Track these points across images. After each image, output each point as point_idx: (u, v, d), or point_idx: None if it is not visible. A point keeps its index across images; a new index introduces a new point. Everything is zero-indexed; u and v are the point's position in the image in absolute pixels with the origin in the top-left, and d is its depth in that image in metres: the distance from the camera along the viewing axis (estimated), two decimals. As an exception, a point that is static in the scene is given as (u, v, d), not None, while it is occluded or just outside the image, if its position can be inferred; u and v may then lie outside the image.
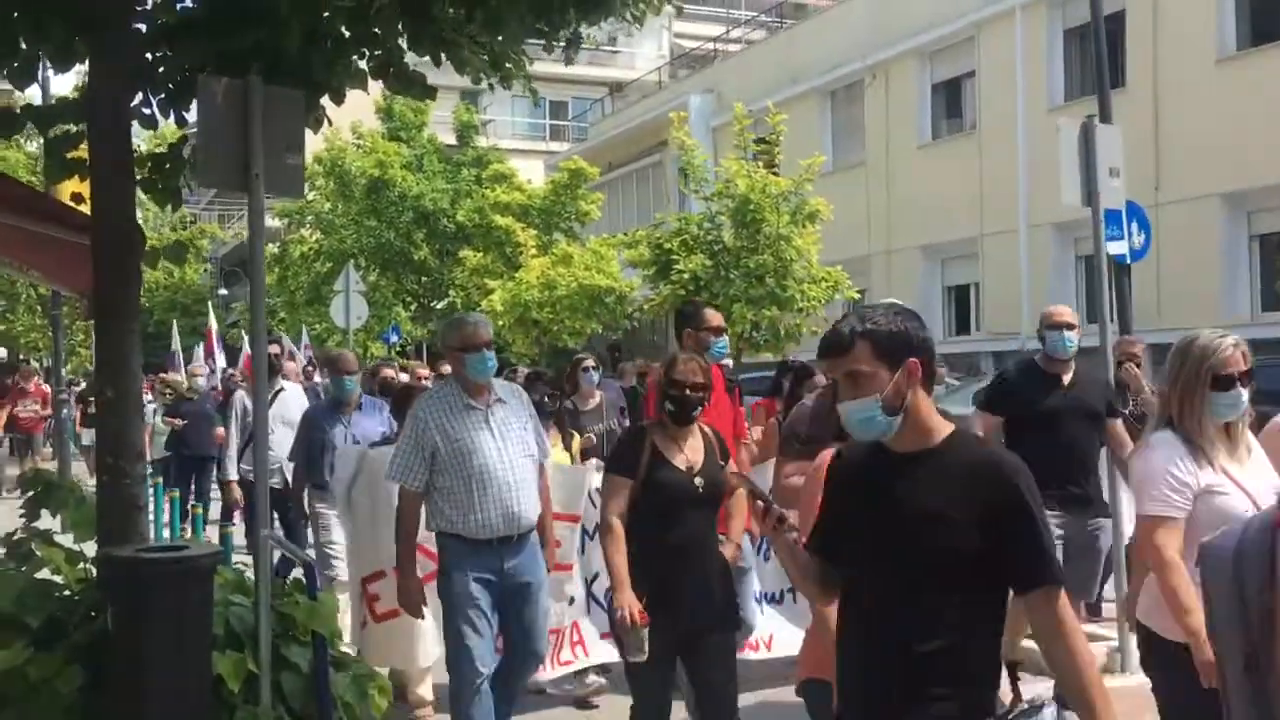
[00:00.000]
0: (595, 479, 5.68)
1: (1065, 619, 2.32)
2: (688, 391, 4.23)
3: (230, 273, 50.10)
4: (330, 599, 4.84)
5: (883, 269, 23.24)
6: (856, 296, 18.44)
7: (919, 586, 2.32)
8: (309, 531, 7.28)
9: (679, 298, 16.86)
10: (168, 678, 4.03)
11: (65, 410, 14.85)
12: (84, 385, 19.51)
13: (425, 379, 8.82)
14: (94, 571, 4.62)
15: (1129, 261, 8.58)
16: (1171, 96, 18.10)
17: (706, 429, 4.38)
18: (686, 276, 16.44)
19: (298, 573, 6.06)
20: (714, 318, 5.69)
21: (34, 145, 22.64)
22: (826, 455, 5.64)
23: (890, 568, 2.36)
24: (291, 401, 8.16)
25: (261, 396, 5.07)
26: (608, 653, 5.72)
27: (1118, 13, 17.90)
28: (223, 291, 48.34)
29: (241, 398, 8.34)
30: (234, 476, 7.87)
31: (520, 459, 4.69)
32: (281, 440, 7.65)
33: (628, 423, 7.26)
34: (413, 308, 30.55)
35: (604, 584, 5.42)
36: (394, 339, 28.93)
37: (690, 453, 4.26)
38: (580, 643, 5.90)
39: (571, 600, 5.83)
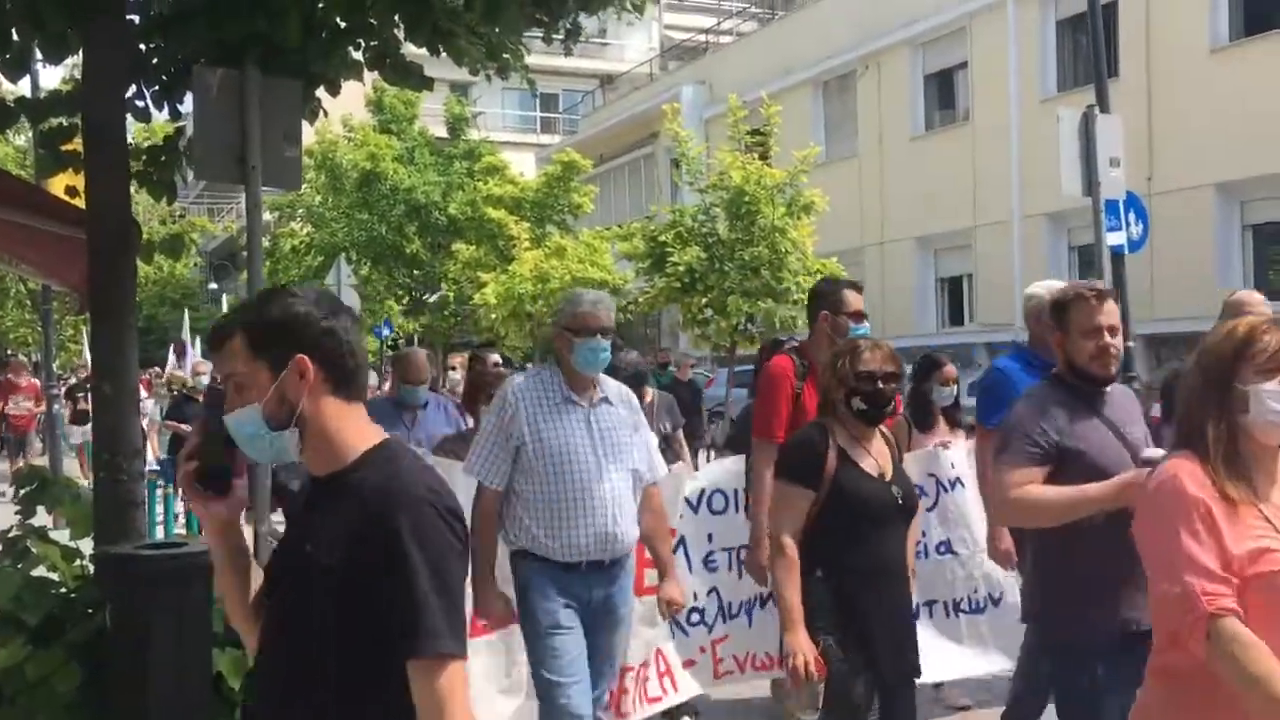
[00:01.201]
0: (687, 485, 5.37)
1: (444, 700, 1.75)
2: (880, 384, 3.53)
3: (220, 266, 49.98)
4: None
5: (876, 261, 23.24)
6: (851, 288, 18.40)
7: (302, 644, 1.84)
8: None
9: (673, 290, 16.84)
10: (167, 675, 4.00)
11: (56, 406, 14.71)
12: (73, 380, 19.29)
13: (497, 365, 8.42)
14: (91, 569, 4.58)
15: (1127, 252, 8.57)
16: (1164, 87, 18.11)
17: (884, 430, 3.73)
18: (681, 269, 16.42)
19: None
20: (856, 300, 4.71)
21: (22, 139, 22.49)
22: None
23: (275, 614, 1.92)
24: None
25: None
26: (694, 685, 5.35)
27: (1110, 3, 17.90)
28: (212, 286, 48.24)
29: None
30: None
31: (621, 473, 3.96)
32: None
33: (671, 428, 6.44)
34: (405, 301, 30.48)
35: (687, 604, 5.11)
36: (386, 333, 28.89)
37: (879, 457, 3.60)
38: (668, 673, 5.30)
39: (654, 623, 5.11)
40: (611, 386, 4.10)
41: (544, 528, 3.87)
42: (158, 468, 12.76)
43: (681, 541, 5.28)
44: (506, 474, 3.92)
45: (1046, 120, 20.61)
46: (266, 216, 38.60)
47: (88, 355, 20.75)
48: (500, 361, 8.68)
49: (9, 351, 30.59)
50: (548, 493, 3.86)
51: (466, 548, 1.87)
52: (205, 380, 12.26)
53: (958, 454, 5.82)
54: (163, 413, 13.00)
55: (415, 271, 29.96)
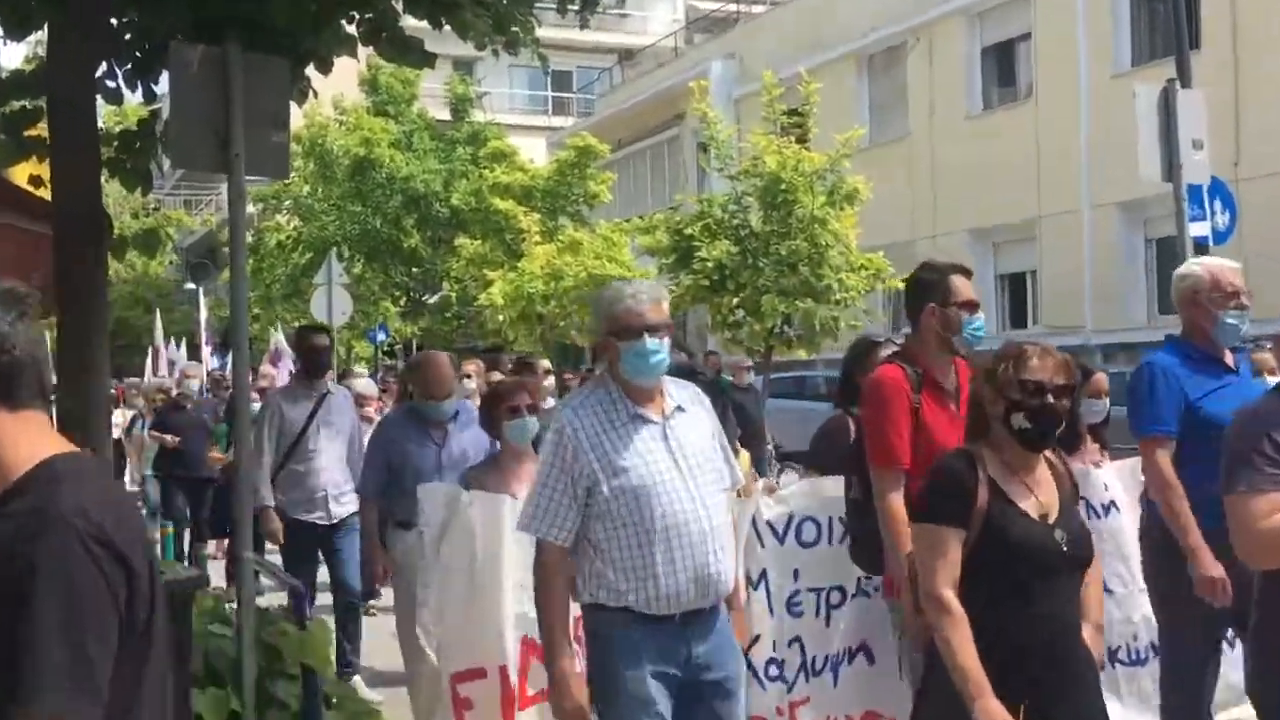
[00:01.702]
0: (769, 509, 5.08)
1: None
2: (1050, 398, 3.18)
3: (198, 264, 50.24)
4: (322, 629, 4.82)
5: (927, 255, 23.11)
6: (900, 286, 18.35)
7: None
8: (392, 598, 6.35)
9: (700, 290, 16.83)
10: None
11: None
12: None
13: (546, 373, 7.96)
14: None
15: (1211, 244, 8.51)
16: (1253, 60, 17.98)
17: (1053, 457, 3.38)
18: (710, 265, 16.41)
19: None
20: (966, 288, 4.36)
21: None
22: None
23: None
24: (343, 407, 7.30)
25: (242, 402, 5.06)
26: None
27: (1192, -35, 17.80)
28: (189, 285, 48.50)
29: (277, 401, 7.34)
30: (270, 502, 6.96)
31: (714, 494, 3.63)
32: (325, 458, 6.99)
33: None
34: (402, 302, 30.63)
35: (765, 652, 4.94)
36: (381, 337, 29.05)
37: (1042, 492, 3.25)
38: None
39: None
40: (679, 389, 3.76)
41: (629, 577, 3.51)
42: (137, 487, 12.81)
43: (763, 576, 5.02)
44: (575, 525, 3.55)
45: (1120, 97, 20.44)
46: (250, 209, 38.81)
47: None
48: (550, 369, 8.35)
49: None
50: (631, 535, 3.51)
51: (125, 585, 1.77)
52: (194, 385, 12.22)
53: (1110, 474, 5.58)
54: (144, 427, 12.80)
55: (414, 269, 30.11)
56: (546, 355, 22.39)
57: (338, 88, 25.22)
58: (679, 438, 3.61)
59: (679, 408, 3.68)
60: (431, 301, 30.66)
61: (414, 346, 30.58)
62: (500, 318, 22.04)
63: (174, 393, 12.62)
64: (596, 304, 3.81)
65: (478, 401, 9.10)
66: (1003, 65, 22.94)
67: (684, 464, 3.57)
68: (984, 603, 3.12)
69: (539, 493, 3.58)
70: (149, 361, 25.30)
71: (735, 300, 16.55)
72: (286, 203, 29.77)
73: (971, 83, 22.99)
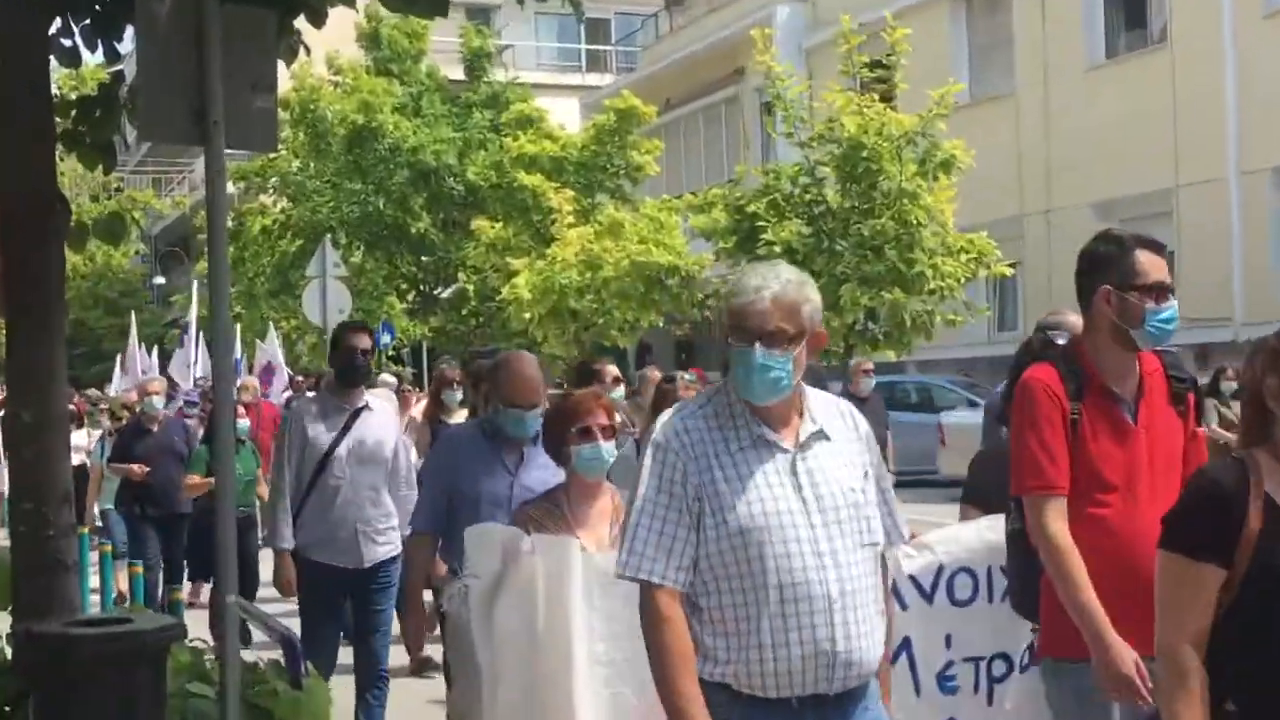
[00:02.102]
0: (911, 559, 4.80)
1: None
2: None
3: (168, 254, 50.91)
4: (320, 687, 4.84)
5: (1040, 234, 23.00)
6: (1008, 273, 18.25)
7: None
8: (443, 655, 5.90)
9: (767, 278, 16.79)
10: (109, 792, 4.06)
11: None
12: None
13: (616, 381, 7.69)
14: (9, 651, 4.67)
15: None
16: None
17: None
18: (778, 249, 16.35)
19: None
20: (1154, 267, 4.02)
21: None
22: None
23: None
24: (383, 426, 6.97)
25: (225, 416, 5.09)
26: None
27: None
28: (159, 280, 49.12)
29: (301, 414, 6.98)
30: (289, 545, 6.62)
31: (853, 549, 3.38)
32: (356, 487, 6.67)
33: None
34: (410, 297, 30.81)
35: None
36: (386, 339, 29.14)
37: None
38: None
39: None
40: (831, 411, 3.53)
41: (731, 644, 3.32)
42: (100, 523, 12.86)
43: (905, 645, 4.74)
44: (691, 563, 3.34)
45: (1274, 41, 20.24)
46: (230, 188, 39.16)
47: None
48: (620, 376, 7.92)
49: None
50: (735, 592, 3.31)
51: None
52: (158, 401, 11.76)
53: None
54: (104, 451, 12.54)
55: (423, 258, 30.28)
56: (579, 360, 22.45)
57: (332, 43, 25.45)
58: (813, 471, 3.37)
59: (820, 433, 3.43)
60: (444, 296, 30.81)
61: (424, 350, 30.76)
62: (526, 315, 22.11)
63: (137, 409, 12.37)
64: (724, 291, 3.57)
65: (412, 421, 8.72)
66: (1130, 6, 22.75)
67: (815, 506, 3.34)
68: (1242, 663, 2.90)
69: (639, 523, 3.35)
70: (116, 371, 25.50)
71: (808, 291, 16.52)
72: (273, 180, 30.01)
73: (1092, 26, 22.81)
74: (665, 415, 3.51)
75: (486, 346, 28.17)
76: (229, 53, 4.83)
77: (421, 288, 31.10)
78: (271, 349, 20.67)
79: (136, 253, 47.08)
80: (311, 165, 29.63)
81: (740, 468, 3.35)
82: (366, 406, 6.88)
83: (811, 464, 3.38)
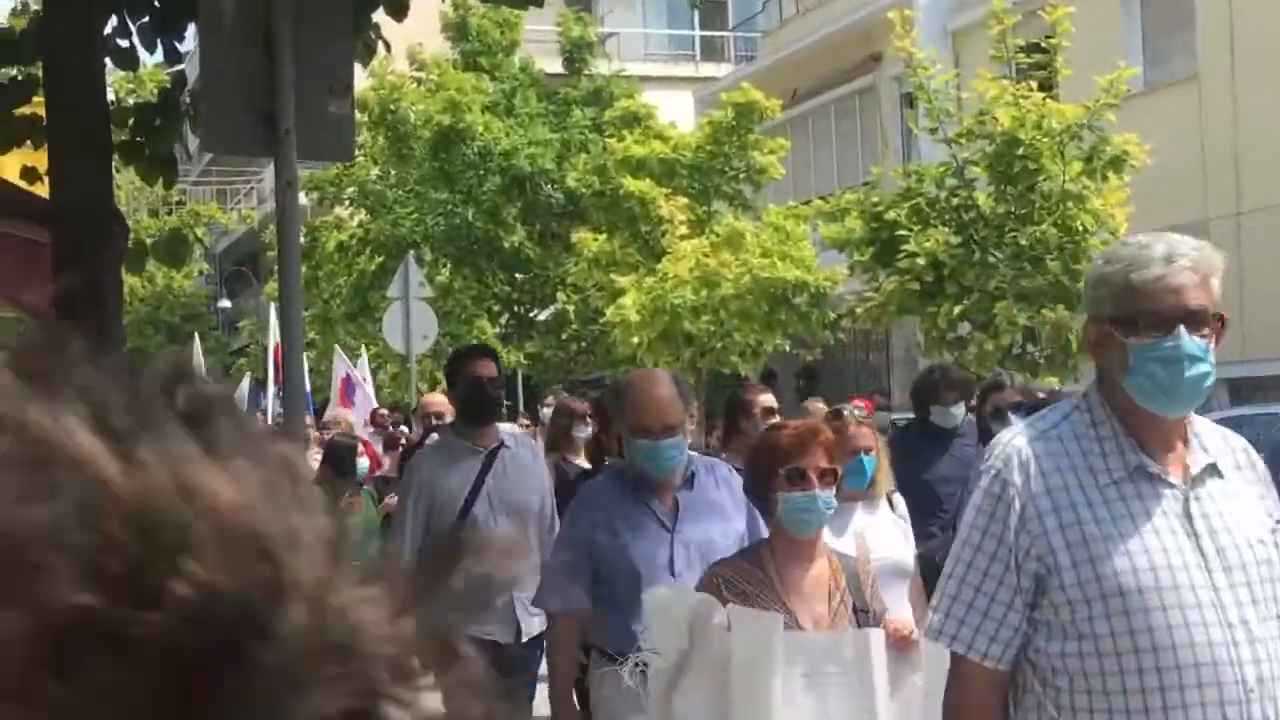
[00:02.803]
0: None
1: None
2: None
3: (235, 274, 51.77)
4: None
5: (1229, 239, 22.53)
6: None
7: None
8: None
9: (908, 295, 16.68)
10: None
11: None
12: None
13: (768, 413, 7.68)
14: None
15: None
16: None
17: None
18: (922, 262, 16.26)
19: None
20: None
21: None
22: None
23: None
24: (527, 468, 6.59)
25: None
26: None
27: None
28: (224, 303, 49.95)
29: (426, 465, 6.60)
30: None
31: (1271, 619, 2.98)
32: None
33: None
34: (503, 320, 30.99)
35: None
36: (476, 368, 29.36)
37: None
38: None
39: None
40: (1221, 442, 3.18)
41: None
42: None
43: None
44: (1019, 638, 3.04)
45: None
46: (301, 200, 39.70)
47: None
48: (774, 408, 7.28)
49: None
50: (1112, 669, 2.93)
51: None
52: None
53: None
54: None
55: (518, 275, 30.44)
56: (699, 388, 22.43)
57: (414, 36, 25.72)
58: (1210, 516, 2.99)
59: (1213, 468, 3.05)
60: (541, 319, 30.97)
61: (519, 380, 30.95)
62: (634, 339, 22.15)
63: None
64: (1100, 268, 3.17)
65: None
66: (1332, -28, 22.31)
67: (1218, 562, 2.94)
68: None
69: (956, 573, 3.06)
70: None
71: (957, 309, 16.36)
72: (349, 190, 30.36)
73: (1287, -2, 22.39)
74: (1004, 436, 3.19)
75: (590, 374, 28.32)
76: (301, 52, 4.93)
77: (516, 309, 31.26)
78: (356, 363, 20.42)
79: (200, 273, 47.86)
80: (392, 173, 29.96)
81: (1114, 507, 2.96)
82: (503, 445, 6.49)
83: (1208, 506, 2.99)
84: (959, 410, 8.11)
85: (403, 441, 12.60)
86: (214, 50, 4.89)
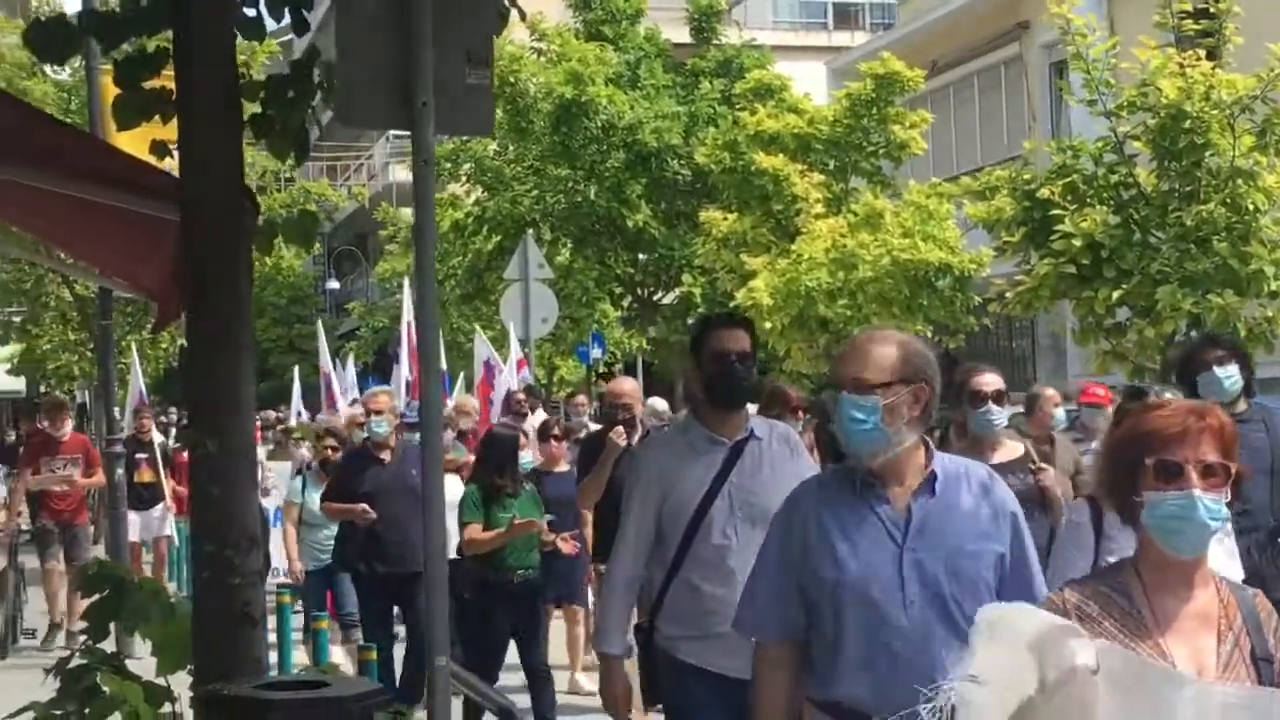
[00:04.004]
0: None
1: None
2: None
3: (344, 254, 52.35)
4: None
5: None
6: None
7: None
8: None
9: (1064, 279, 16.47)
10: None
11: (120, 473, 15.33)
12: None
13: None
14: (189, 718, 4.85)
15: None
16: None
17: None
18: (1077, 243, 16.04)
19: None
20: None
21: (67, 73, 24.20)
22: None
23: None
24: (778, 464, 5.85)
25: (433, 442, 5.20)
26: None
27: None
28: (333, 285, 50.56)
29: (654, 458, 6.09)
30: (616, 649, 5.76)
31: None
32: (750, 555, 5.05)
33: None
34: (626, 303, 31.05)
35: None
36: (597, 354, 29.45)
37: None
38: None
39: None
40: None
41: None
42: (286, 578, 12.41)
43: None
44: None
45: None
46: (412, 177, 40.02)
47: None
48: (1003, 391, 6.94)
49: (43, 389, 32.73)
50: None
51: None
52: (385, 424, 10.70)
53: None
54: (305, 486, 12.10)
55: (641, 256, 30.47)
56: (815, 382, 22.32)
57: (535, 4, 25.84)
58: None
59: None
60: (666, 302, 30.98)
61: (640, 366, 30.97)
62: (767, 324, 22.05)
63: (357, 432, 11.92)
64: None
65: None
66: None
67: None
68: None
69: None
70: (296, 390, 26.31)
71: (1117, 293, 16.12)
72: (466, 166, 30.49)
73: None
74: None
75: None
76: (439, 23, 4.96)
77: (639, 292, 31.31)
78: (503, 352, 19.91)
79: (308, 253, 48.43)
80: (511, 148, 30.11)
81: None
82: (752, 435, 5.81)
83: None
84: (1230, 372, 7.21)
85: (559, 430, 11.95)
86: (350, 20, 4.94)
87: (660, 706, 5.89)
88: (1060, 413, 10.69)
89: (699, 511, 5.60)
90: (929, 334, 23.06)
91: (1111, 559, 4.78)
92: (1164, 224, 16.16)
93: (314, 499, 11.56)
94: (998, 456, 6.89)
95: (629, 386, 9.20)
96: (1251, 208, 15.86)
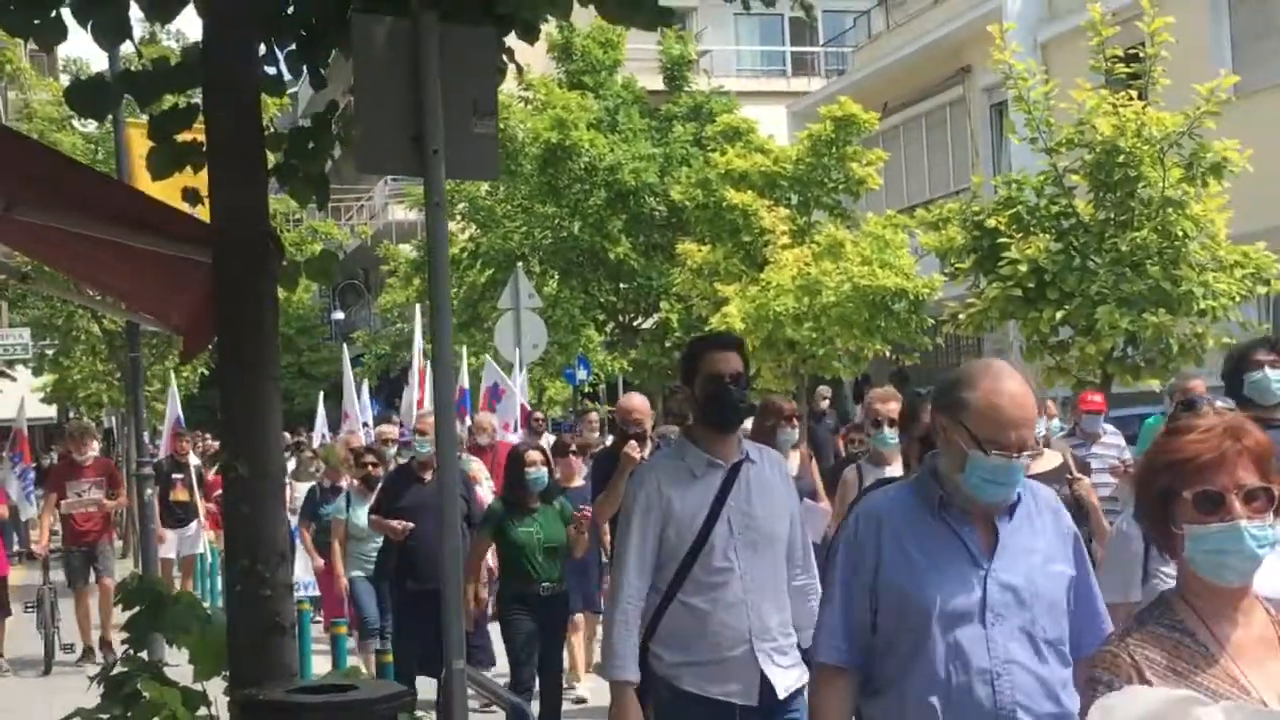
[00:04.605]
0: None
1: None
2: None
3: (347, 287, 52.30)
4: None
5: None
6: (1291, 287, 17.62)
7: None
8: None
9: (1011, 301, 16.50)
10: None
11: (150, 493, 15.22)
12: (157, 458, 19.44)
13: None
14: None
15: None
16: None
17: None
18: (1023, 269, 16.08)
19: None
20: None
21: (93, 125, 24.15)
22: None
23: None
24: (776, 487, 5.59)
25: (448, 462, 5.17)
26: None
27: None
28: (338, 316, 50.50)
29: (653, 479, 5.54)
30: (630, 675, 5.33)
31: None
32: (751, 582, 5.32)
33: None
34: (609, 328, 31.10)
35: None
36: (583, 375, 29.48)
37: None
38: None
39: None
40: None
41: None
42: (305, 591, 12.54)
43: None
44: None
45: None
46: (411, 215, 40.11)
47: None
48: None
49: (70, 414, 32.65)
50: None
51: None
52: (429, 444, 10.20)
53: None
54: (350, 503, 11.99)
55: (622, 285, 30.54)
56: (800, 393, 22.34)
57: (521, 57, 25.78)
58: None
59: None
60: (645, 326, 31.04)
61: (620, 387, 30.99)
62: (739, 346, 22.10)
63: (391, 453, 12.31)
64: None
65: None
66: None
67: None
68: None
69: None
70: (319, 413, 26.38)
71: (1059, 314, 16.14)
72: (460, 206, 30.57)
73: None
74: None
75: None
76: (448, 76, 4.97)
77: (621, 318, 31.38)
78: (509, 378, 19.75)
79: (316, 288, 48.43)
80: (501, 188, 30.16)
81: None
82: (748, 458, 5.43)
83: None
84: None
85: (572, 448, 11.97)
86: (367, 76, 4.94)
87: None
88: (1055, 423, 10.74)
89: (699, 538, 5.26)
90: (887, 353, 23.15)
91: (1165, 569, 4.55)
92: (1101, 250, 16.19)
93: (359, 514, 11.51)
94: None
95: (639, 403, 8.88)
96: (1181, 234, 15.92)
